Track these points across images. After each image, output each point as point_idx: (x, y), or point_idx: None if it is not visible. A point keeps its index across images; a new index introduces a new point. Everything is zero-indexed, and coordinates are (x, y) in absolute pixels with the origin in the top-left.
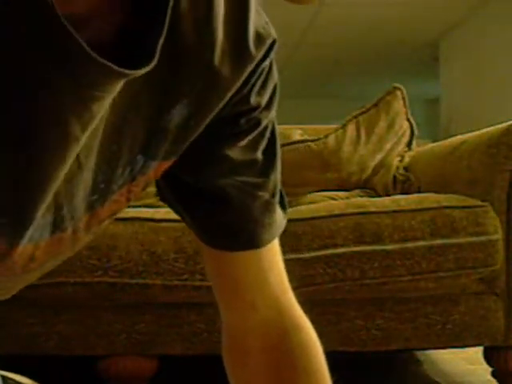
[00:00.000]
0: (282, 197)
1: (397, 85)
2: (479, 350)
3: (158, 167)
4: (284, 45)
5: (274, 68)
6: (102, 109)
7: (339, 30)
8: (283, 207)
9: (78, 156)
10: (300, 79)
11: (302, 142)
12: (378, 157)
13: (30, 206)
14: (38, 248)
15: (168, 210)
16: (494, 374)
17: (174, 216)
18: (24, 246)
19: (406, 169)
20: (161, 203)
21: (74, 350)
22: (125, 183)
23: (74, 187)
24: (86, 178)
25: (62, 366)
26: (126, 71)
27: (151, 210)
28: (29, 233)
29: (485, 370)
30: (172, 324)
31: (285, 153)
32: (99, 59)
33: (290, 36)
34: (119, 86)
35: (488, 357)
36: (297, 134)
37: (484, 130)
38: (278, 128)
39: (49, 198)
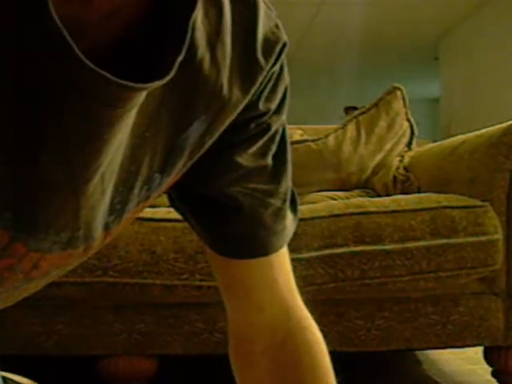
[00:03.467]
0: (293, 199)
1: (397, 85)
2: (479, 349)
3: (170, 181)
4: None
5: (285, 70)
6: (111, 126)
7: (339, 30)
8: (294, 210)
9: (103, 180)
10: (300, 79)
11: (302, 142)
12: (378, 157)
13: (34, 208)
14: (44, 259)
15: (168, 209)
16: (493, 374)
17: (174, 216)
18: (27, 251)
19: (406, 169)
20: (161, 203)
21: (74, 350)
22: (140, 201)
23: (96, 211)
24: (105, 200)
25: (62, 366)
26: (130, 84)
27: (151, 210)
28: (35, 240)
29: (485, 370)
30: (172, 324)
31: None
32: (97, 70)
33: (289, 36)
34: (133, 99)
35: (488, 357)
36: (297, 134)
37: (484, 130)
38: None
39: (58, 207)
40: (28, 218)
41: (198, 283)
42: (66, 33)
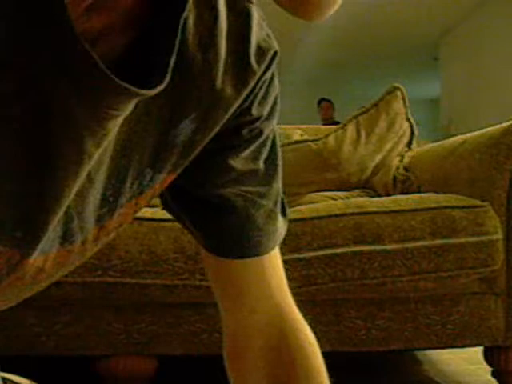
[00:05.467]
0: (283, 204)
1: (397, 85)
2: (479, 349)
3: (164, 180)
4: (284, 45)
5: (276, 79)
6: (116, 126)
7: (339, 31)
8: (284, 214)
9: (89, 171)
10: (300, 79)
11: (302, 142)
12: (378, 157)
13: (43, 220)
14: (47, 259)
15: None
16: (494, 374)
17: None
18: (34, 258)
19: (406, 169)
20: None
21: (74, 350)
22: (133, 196)
23: (85, 201)
24: (96, 191)
25: (62, 366)
26: (142, 91)
27: (151, 210)
28: (40, 245)
29: (485, 370)
30: (172, 324)
31: (285, 153)
32: (116, 80)
33: (289, 36)
34: (133, 103)
35: (488, 357)
36: (297, 134)
37: (484, 130)
38: (278, 128)
39: (61, 212)
40: (37, 233)
41: (197, 283)
42: (88, 47)
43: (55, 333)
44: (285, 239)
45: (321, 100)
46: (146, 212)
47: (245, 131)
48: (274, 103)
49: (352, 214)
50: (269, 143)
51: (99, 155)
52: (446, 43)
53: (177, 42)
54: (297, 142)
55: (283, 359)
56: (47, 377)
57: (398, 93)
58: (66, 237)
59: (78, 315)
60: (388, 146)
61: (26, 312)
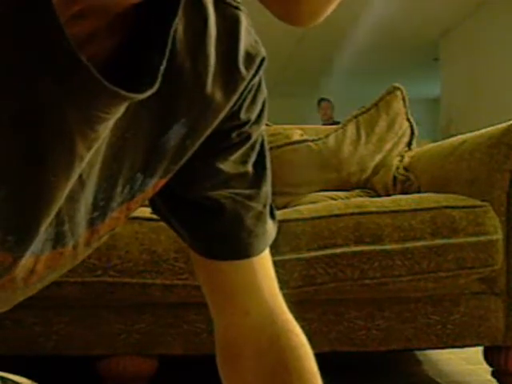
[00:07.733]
0: (271, 207)
1: (397, 85)
2: (479, 349)
3: (155, 184)
4: (284, 44)
5: (263, 84)
6: (106, 129)
7: (339, 30)
8: (273, 217)
9: (80, 175)
10: (300, 79)
11: (302, 141)
12: (378, 157)
13: (35, 223)
14: (38, 261)
15: None
16: (494, 374)
17: None
18: (26, 259)
19: (406, 169)
20: None
21: (74, 350)
22: (124, 201)
23: (76, 205)
24: (88, 195)
25: (62, 366)
26: (132, 95)
27: (151, 210)
28: (31, 247)
29: (485, 370)
30: (172, 324)
31: (285, 153)
32: (106, 83)
33: (289, 35)
34: (124, 107)
35: (488, 357)
36: (297, 134)
37: (484, 130)
38: (278, 128)
39: (52, 215)
40: (29, 236)
41: (198, 283)
42: (78, 51)
43: (55, 333)
44: (285, 239)
45: (321, 100)
46: (146, 212)
47: (234, 135)
48: (262, 108)
49: (352, 213)
50: (257, 147)
51: (90, 159)
52: (445, 43)
53: (168, 48)
54: (297, 141)
55: (276, 361)
56: (47, 377)
57: (398, 93)
58: (58, 239)
59: (78, 315)
60: (388, 146)
61: (25, 312)
